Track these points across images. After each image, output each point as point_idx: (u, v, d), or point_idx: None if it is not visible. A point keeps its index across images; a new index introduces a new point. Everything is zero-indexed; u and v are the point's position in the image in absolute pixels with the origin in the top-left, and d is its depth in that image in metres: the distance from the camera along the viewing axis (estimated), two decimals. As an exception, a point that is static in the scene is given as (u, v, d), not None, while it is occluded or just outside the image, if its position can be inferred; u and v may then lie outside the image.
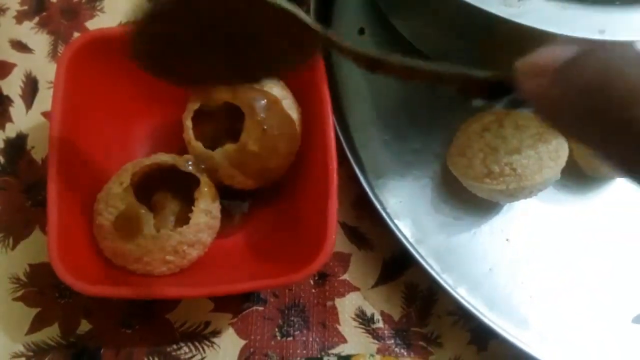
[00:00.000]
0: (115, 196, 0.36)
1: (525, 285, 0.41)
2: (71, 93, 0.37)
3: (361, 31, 0.48)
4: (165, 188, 0.39)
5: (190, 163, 0.38)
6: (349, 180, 0.42)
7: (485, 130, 0.38)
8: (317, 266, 0.34)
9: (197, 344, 0.40)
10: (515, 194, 0.38)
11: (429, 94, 0.46)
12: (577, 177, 0.43)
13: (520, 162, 0.37)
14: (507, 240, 0.42)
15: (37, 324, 0.40)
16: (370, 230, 0.43)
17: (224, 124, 0.39)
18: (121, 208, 0.36)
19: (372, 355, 0.39)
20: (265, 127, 0.36)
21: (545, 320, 0.40)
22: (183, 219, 0.37)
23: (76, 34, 0.48)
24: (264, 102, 0.37)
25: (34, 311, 0.41)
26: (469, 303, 0.39)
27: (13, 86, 0.46)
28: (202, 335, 0.40)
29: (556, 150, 0.38)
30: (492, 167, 0.37)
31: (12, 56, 0.47)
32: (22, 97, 0.46)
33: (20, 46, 0.48)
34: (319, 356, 0.40)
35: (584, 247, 0.42)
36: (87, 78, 0.38)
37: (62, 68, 0.37)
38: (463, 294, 0.40)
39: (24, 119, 0.45)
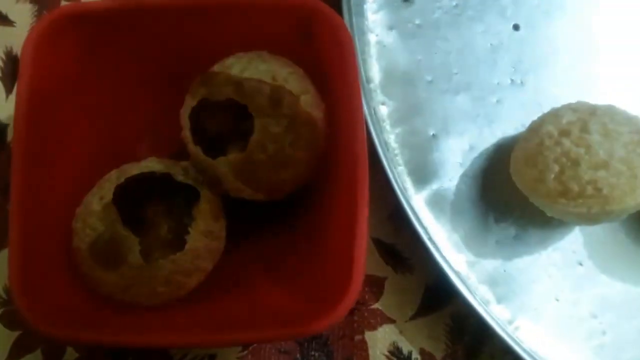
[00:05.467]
0: (93, 214, 0.29)
1: (598, 319, 0.35)
2: (41, 81, 0.30)
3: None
4: (158, 200, 0.32)
5: (188, 173, 0.31)
6: (384, 189, 0.35)
7: (563, 135, 0.30)
8: (344, 310, 0.27)
9: (200, 380, 0.34)
10: (596, 219, 0.31)
11: (491, 72, 0.38)
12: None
13: (607, 180, 0.29)
14: (580, 264, 0.35)
15: (17, 350, 0.35)
16: (408, 248, 0.37)
17: (230, 124, 0.32)
18: (100, 230, 0.29)
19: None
20: (277, 130, 0.29)
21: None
22: (180, 238, 0.31)
23: (64, 3, 0.41)
24: (276, 98, 0.29)
25: (14, 335, 0.36)
26: (530, 340, 0.34)
27: (-9, 66, 0.40)
28: (206, 370, 0.35)
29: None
30: (570, 184, 0.29)
31: (-10, 30, 0.41)
32: (2, 79, 0.39)
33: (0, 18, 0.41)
34: (344, 398, 0.34)
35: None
36: (63, 64, 0.31)
37: (28, 50, 0.29)
38: (522, 329, 0.34)
39: (4, 106, 0.39)
